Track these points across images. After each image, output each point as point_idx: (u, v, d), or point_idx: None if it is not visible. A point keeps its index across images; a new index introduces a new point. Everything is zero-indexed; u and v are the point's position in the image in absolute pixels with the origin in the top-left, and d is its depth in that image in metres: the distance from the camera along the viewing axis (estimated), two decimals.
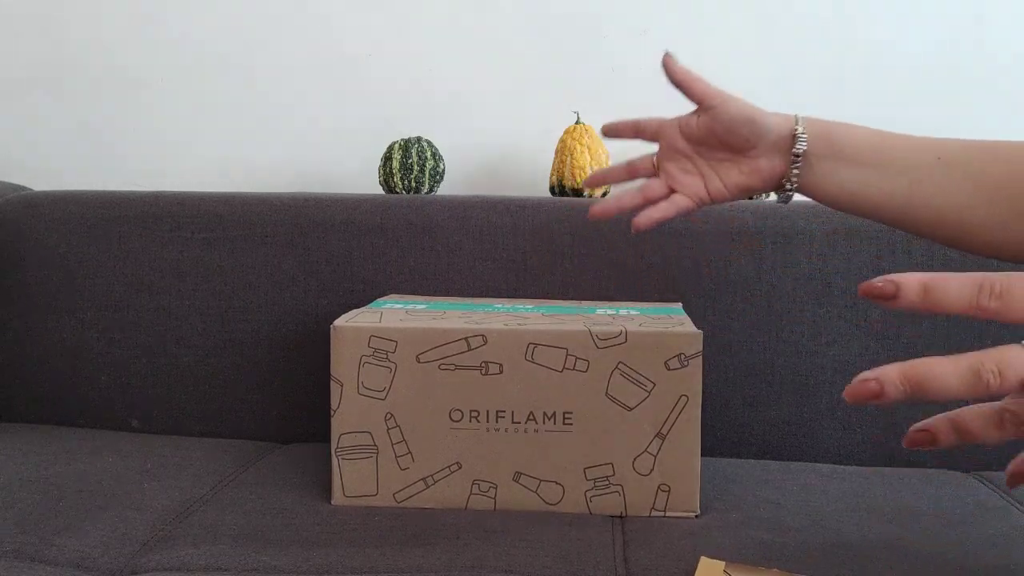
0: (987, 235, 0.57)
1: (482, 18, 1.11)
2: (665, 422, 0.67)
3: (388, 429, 0.69)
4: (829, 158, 0.61)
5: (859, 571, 0.58)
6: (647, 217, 0.65)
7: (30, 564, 0.59)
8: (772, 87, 1.08)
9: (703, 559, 0.58)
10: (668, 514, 0.68)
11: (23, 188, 1.06)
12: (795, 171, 0.62)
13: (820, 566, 0.59)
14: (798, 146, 0.61)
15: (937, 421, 0.41)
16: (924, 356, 0.37)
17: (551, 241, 0.89)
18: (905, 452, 0.86)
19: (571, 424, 0.67)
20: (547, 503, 0.69)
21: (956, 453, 0.86)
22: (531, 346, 0.67)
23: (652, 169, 0.68)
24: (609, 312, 0.76)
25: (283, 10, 1.13)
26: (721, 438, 0.87)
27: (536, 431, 0.68)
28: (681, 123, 0.66)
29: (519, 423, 0.68)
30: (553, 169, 1.01)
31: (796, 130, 0.61)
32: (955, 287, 0.39)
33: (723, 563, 0.58)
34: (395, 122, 1.13)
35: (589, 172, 0.98)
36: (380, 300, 0.84)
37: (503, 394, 0.67)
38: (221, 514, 0.67)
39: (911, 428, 0.40)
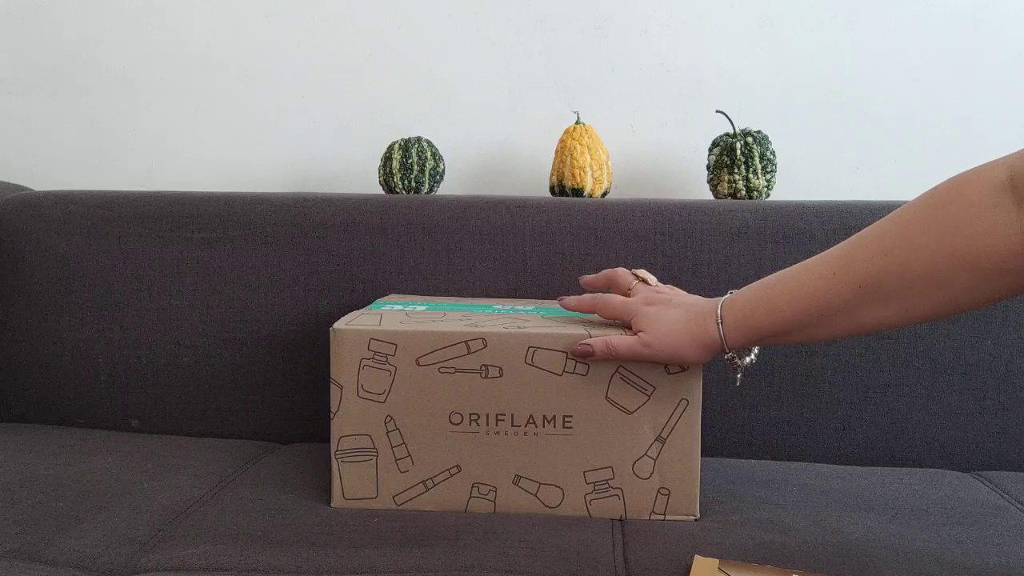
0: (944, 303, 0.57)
1: (482, 18, 1.11)
2: (665, 426, 0.67)
3: (388, 432, 0.69)
4: (764, 339, 0.64)
5: (859, 571, 0.58)
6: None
7: (30, 564, 0.59)
8: (771, 88, 1.08)
9: (697, 557, 0.59)
10: (668, 517, 0.69)
11: (23, 188, 1.06)
12: (736, 364, 0.66)
13: (820, 566, 0.59)
14: (732, 364, 0.66)
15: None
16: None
17: (551, 241, 0.89)
18: (905, 452, 0.86)
19: (571, 427, 0.67)
20: (547, 506, 0.69)
21: (956, 453, 0.86)
22: (531, 349, 0.67)
23: (626, 289, 0.73)
24: None
25: (283, 10, 1.13)
26: (721, 438, 0.87)
27: (536, 434, 0.68)
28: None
29: (519, 426, 0.68)
30: (553, 169, 1.01)
31: (725, 357, 0.65)
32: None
33: (717, 561, 0.58)
34: (395, 122, 1.13)
35: (589, 172, 0.98)
36: (380, 300, 0.84)
37: (503, 397, 0.67)
38: (221, 514, 0.67)
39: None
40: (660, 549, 0.62)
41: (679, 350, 0.64)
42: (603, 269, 0.88)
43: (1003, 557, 0.62)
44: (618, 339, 0.65)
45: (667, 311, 0.66)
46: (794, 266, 0.63)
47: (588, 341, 0.66)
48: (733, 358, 0.65)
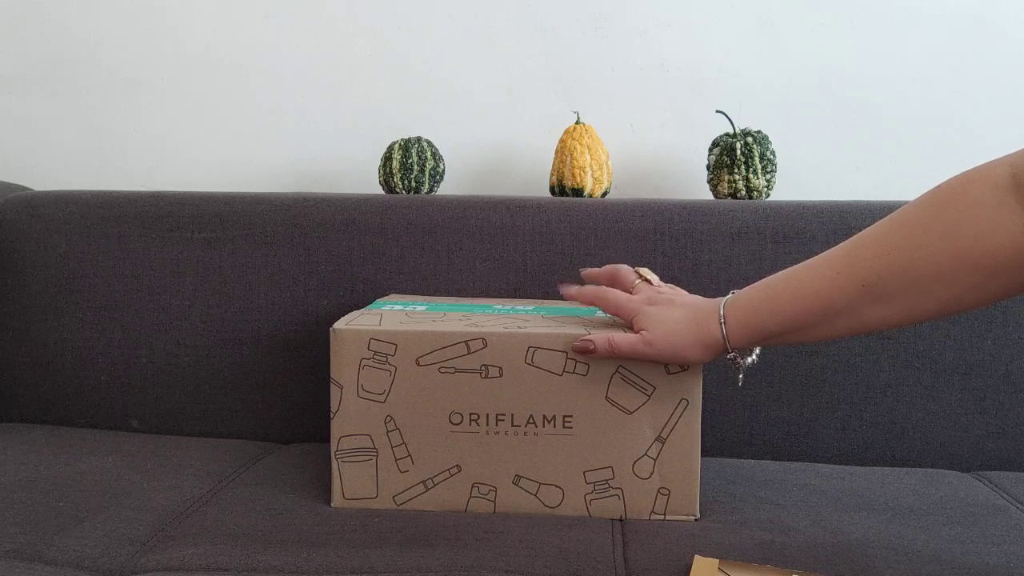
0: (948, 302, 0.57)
1: (482, 18, 1.11)
2: (665, 426, 0.67)
3: (388, 432, 0.69)
4: (767, 339, 0.64)
5: (859, 571, 0.58)
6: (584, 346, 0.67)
7: (30, 564, 0.59)
8: (771, 88, 1.08)
9: (697, 557, 0.59)
10: (668, 517, 0.69)
11: (23, 188, 1.06)
12: (738, 364, 0.66)
13: (820, 566, 0.59)
14: (735, 363, 0.66)
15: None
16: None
17: (551, 241, 0.89)
18: (905, 452, 0.86)
19: (571, 427, 0.67)
20: (547, 506, 0.69)
21: (956, 453, 0.86)
22: (531, 349, 0.67)
23: (629, 287, 0.72)
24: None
25: (283, 10, 1.13)
26: (721, 438, 0.87)
27: (536, 434, 0.68)
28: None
29: (519, 426, 0.68)
30: (553, 169, 1.01)
31: (728, 357, 0.65)
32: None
33: (717, 561, 0.58)
34: (395, 122, 1.13)
35: (589, 172, 0.98)
36: (380, 300, 0.84)
37: (503, 397, 0.67)
38: (221, 514, 0.67)
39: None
40: (660, 549, 0.62)
41: (681, 350, 0.64)
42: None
43: (1003, 557, 0.62)
44: (621, 336, 0.65)
45: (669, 311, 0.66)
46: (796, 266, 0.63)
47: (590, 337, 0.65)
48: (735, 358, 0.65)
